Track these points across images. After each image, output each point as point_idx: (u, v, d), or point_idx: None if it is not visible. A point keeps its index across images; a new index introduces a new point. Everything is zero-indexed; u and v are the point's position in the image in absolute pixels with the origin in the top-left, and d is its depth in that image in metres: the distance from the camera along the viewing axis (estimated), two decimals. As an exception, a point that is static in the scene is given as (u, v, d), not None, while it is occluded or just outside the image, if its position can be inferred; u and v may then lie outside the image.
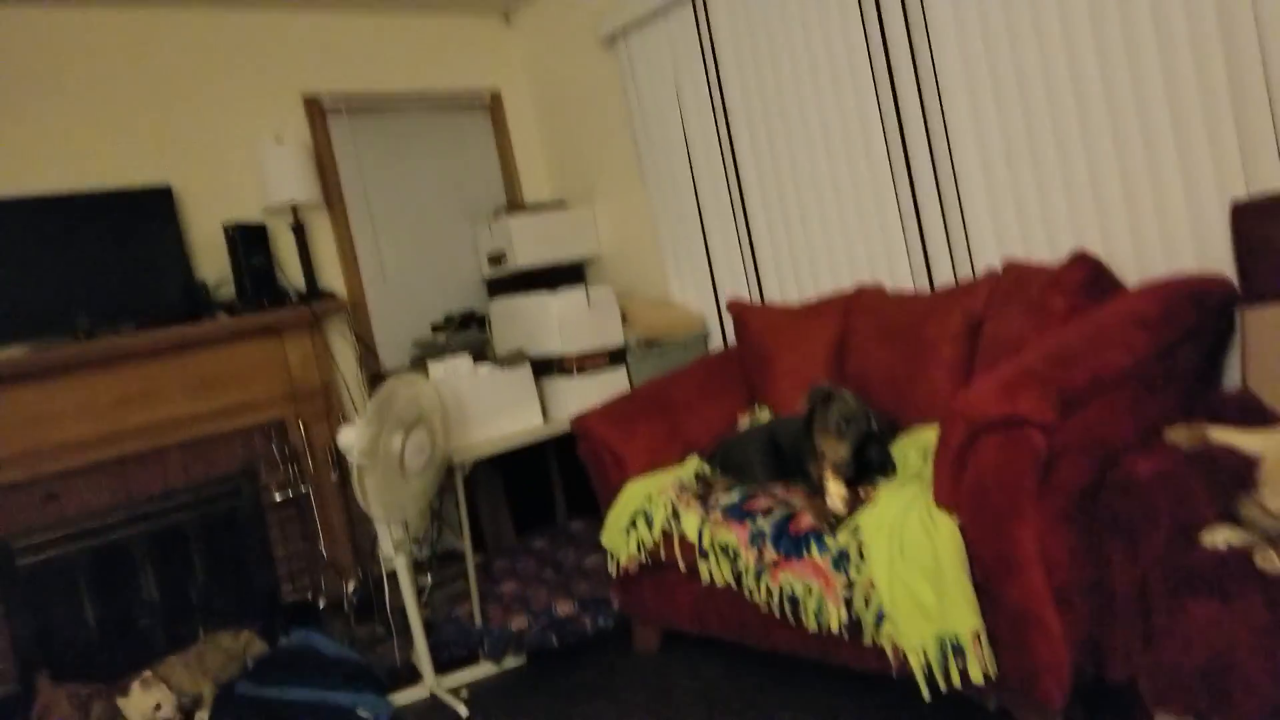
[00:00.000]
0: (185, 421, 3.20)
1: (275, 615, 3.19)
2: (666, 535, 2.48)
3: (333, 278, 3.73)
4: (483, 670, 2.86)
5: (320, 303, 3.48)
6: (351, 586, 3.32)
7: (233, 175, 3.53)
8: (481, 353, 3.59)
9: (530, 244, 3.88)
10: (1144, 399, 1.95)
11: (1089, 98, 2.39)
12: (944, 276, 2.82)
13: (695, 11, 3.34)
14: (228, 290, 3.38)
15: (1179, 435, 1.78)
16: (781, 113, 3.16)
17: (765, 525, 2.21)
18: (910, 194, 2.84)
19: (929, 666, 1.85)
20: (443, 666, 2.87)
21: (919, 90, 2.74)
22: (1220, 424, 1.80)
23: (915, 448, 2.33)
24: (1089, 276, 2.21)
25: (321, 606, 3.35)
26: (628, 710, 2.43)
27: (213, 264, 3.40)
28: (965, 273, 2.76)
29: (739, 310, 3.18)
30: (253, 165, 3.53)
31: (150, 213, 3.22)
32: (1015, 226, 2.61)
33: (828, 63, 2.97)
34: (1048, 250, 2.55)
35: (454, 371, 3.06)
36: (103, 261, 3.11)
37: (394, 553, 2.75)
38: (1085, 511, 1.81)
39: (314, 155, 3.66)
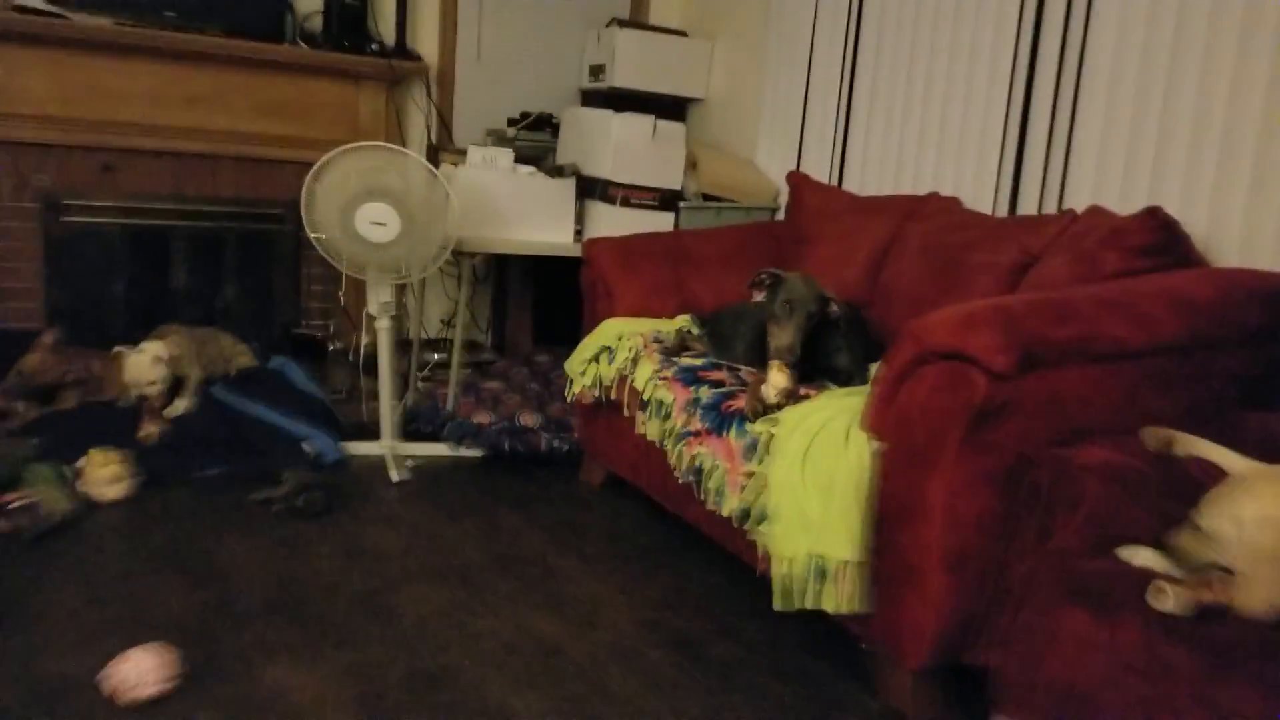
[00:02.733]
0: (245, 138, 3.27)
1: (282, 342, 3.32)
2: (623, 378, 2.39)
3: (426, 39, 3.64)
4: (438, 451, 2.91)
5: (405, 62, 3.42)
6: (365, 340, 3.41)
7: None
8: (543, 157, 3.48)
9: (634, 65, 3.64)
10: (1146, 390, 1.66)
11: (1254, 54, 1.95)
12: (1028, 211, 2.47)
13: None
14: (316, 23, 3.36)
15: (1149, 436, 1.51)
16: (917, 8, 2.77)
17: (705, 394, 2.08)
18: (1021, 119, 2.47)
19: (792, 579, 1.72)
20: (409, 437, 2.93)
21: (1067, 13, 2.34)
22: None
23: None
24: (1156, 240, 1.88)
25: (331, 349, 3.47)
26: (544, 526, 2.44)
27: (310, -8, 3.36)
28: (1050, 212, 2.41)
29: (798, 183, 2.92)
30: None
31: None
32: (1119, 178, 2.23)
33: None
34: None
35: (492, 163, 2.97)
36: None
37: (377, 314, 2.76)
38: (1014, 480, 1.58)
39: (441, -93, 3.51)
